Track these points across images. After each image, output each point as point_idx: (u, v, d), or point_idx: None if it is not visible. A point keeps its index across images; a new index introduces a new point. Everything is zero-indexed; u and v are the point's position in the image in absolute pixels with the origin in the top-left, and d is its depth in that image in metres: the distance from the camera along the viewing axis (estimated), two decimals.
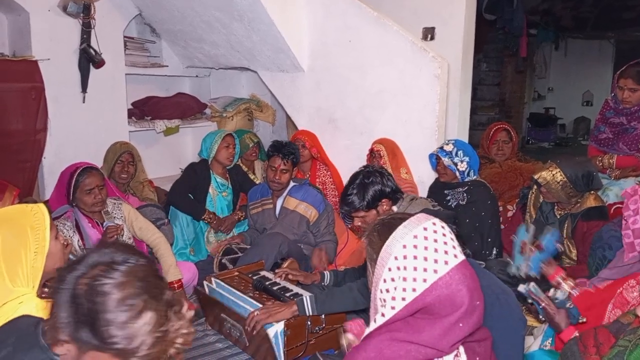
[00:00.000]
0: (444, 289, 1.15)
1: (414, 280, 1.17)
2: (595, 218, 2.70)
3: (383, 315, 1.21)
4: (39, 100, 3.56)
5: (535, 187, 2.99)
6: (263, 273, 2.76)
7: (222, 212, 3.74)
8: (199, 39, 4.12)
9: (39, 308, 1.40)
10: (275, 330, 2.22)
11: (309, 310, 2.25)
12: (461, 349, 1.22)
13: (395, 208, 2.43)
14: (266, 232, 3.27)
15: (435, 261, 1.17)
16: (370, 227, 1.35)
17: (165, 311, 1.05)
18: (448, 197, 3.12)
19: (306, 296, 2.29)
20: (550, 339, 2.05)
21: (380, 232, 1.27)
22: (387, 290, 1.20)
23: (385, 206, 2.42)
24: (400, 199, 2.48)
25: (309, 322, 2.27)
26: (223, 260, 3.16)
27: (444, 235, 1.22)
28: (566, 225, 2.82)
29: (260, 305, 2.33)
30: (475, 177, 3.15)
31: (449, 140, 3.24)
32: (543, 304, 1.91)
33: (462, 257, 1.21)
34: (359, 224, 2.46)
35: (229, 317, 2.44)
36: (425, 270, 1.17)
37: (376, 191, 2.39)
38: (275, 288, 2.52)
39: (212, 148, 3.64)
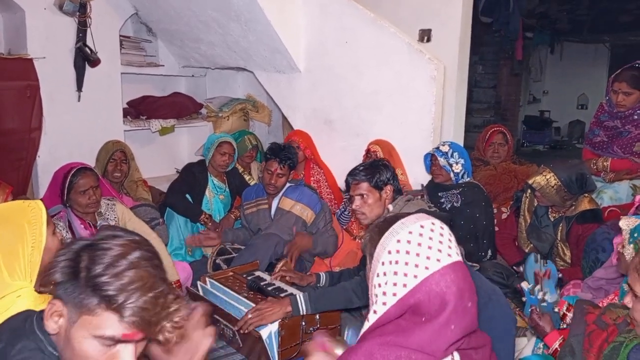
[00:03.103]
0: (434, 286, 1.15)
1: (405, 275, 1.16)
2: (589, 221, 2.72)
3: (375, 312, 1.20)
4: (34, 98, 3.55)
5: (529, 191, 3.00)
6: (258, 273, 2.76)
7: (218, 214, 3.73)
8: (195, 38, 4.11)
9: (37, 302, 1.41)
10: (269, 331, 2.22)
11: (302, 309, 2.24)
12: (456, 356, 1.21)
13: (390, 207, 2.44)
14: (261, 232, 3.26)
15: (428, 258, 1.17)
16: (372, 225, 1.34)
17: (159, 278, 1.05)
18: (442, 199, 3.13)
19: (299, 295, 2.27)
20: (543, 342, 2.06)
21: (381, 227, 1.26)
22: (379, 285, 1.20)
23: (389, 193, 2.45)
24: (399, 196, 2.50)
25: (303, 323, 2.27)
26: (217, 261, 3.16)
27: (440, 235, 1.22)
28: (560, 227, 2.83)
29: (254, 305, 2.33)
30: (469, 179, 3.16)
31: (444, 142, 3.25)
32: (532, 307, 1.95)
33: (457, 257, 1.21)
34: (357, 205, 2.43)
35: (222, 319, 2.44)
36: (416, 266, 1.16)
37: (386, 175, 2.45)
38: (269, 288, 2.52)
39: (209, 151, 3.65)
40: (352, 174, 2.48)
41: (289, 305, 2.23)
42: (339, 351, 1.37)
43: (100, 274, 1.00)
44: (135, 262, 1.02)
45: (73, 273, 1.01)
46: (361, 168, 2.48)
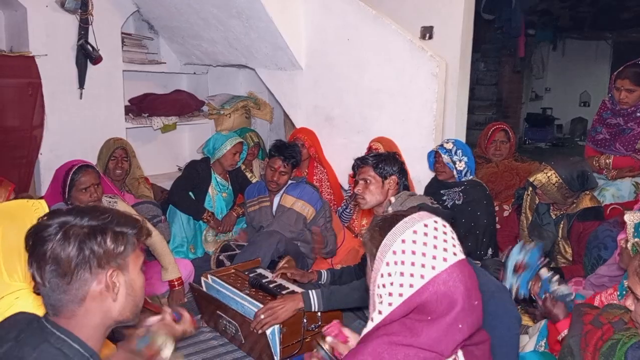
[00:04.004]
0: (441, 286, 1.14)
1: (411, 275, 1.16)
2: (591, 218, 2.71)
3: (380, 312, 1.19)
4: (36, 96, 3.55)
5: (530, 189, 3.00)
6: (260, 271, 2.76)
7: (221, 212, 3.73)
8: (196, 36, 4.11)
9: (35, 304, 1.40)
10: (272, 327, 2.22)
11: (315, 305, 2.23)
12: (459, 353, 1.21)
13: (393, 199, 2.44)
14: (263, 229, 3.27)
15: (434, 257, 1.16)
16: (372, 223, 1.34)
17: None
18: (444, 197, 3.12)
19: (312, 291, 2.27)
20: (545, 339, 2.06)
21: (382, 227, 1.25)
22: (384, 286, 1.19)
23: (392, 184, 2.50)
24: (405, 190, 2.52)
25: (305, 320, 2.27)
26: (220, 257, 3.17)
27: (444, 233, 1.21)
28: (562, 225, 2.83)
29: (257, 303, 2.33)
30: (471, 177, 3.16)
31: (448, 139, 3.25)
32: (546, 294, 1.95)
33: (461, 255, 1.20)
34: (359, 189, 2.51)
35: (225, 314, 2.44)
36: (423, 266, 1.16)
37: (392, 167, 2.50)
38: (271, 286, 2.52)
39: (220, 150, 3.62)
40: (360, 158, 2.59)
41: (301, 301, 2.23)
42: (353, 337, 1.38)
43: (118, 227, 1.14)
44: (103, 206, 1.19)
45: (128, 244, 1.14)
46: (371, 155, 2.59)
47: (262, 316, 2.19)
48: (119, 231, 1.13)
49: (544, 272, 2.01)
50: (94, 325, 1.12)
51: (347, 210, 3.50)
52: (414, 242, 1.18)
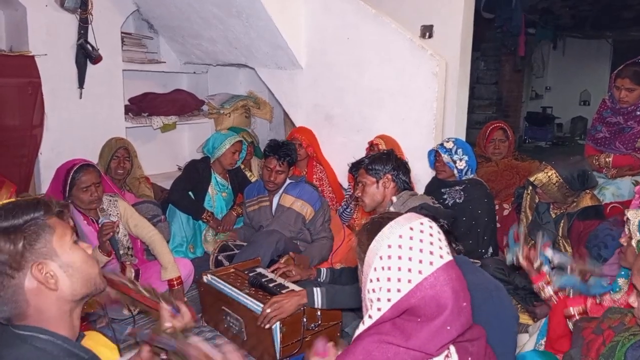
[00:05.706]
0: (429, 290, 1.15)
1: (399, 280, 1.16)
2: (591, 217, 2.71)
3: (370, 317, 1.21)
4: (36, 95, 3.55)
5: (530, 188, 3.00)
6: (259, 270, 2.76)
7: (221, 212, 3.73)
8: (196, 35, 4.11)
9: None
10: (276, 324, 2.22)
11: (318, 302, 2.24)
12: (452, 349, 1.22)
13: (394, 199, 2.45)
14: (262, 229, 3.27)
15: (420, 261, 1.16)
16: (360, 227, 1.35)
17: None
18: (445, 196, 3.12)
19: (317, 288, 2.28)
20: (545, 338, 2.06)
21: (369, 231, 1.26)
22: (374, 291, 1.20)
23: (387, 183, 2.52)
24: (406, 189, 2.53)
25: (304, 319, 2.27)
26: (219, 257, 3.17)
27: (430, 235, 1.21)
28: (562, 224, 2.83)
29: (257, 302, 2.33)
30: (472, 175, 3.15)
31: (449, 138, 3.24)
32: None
33: (448, 257, 1.20)
34: (358, 192, 2.58)
35: (231, 310, 2.44)
36: (409, 270, 1.16)
37: (385, 165, 2.52)
38: (271, 285, 2.52)
39: (220, 149, 3.63)
40: (354, 163, 2.65)
41: (305, 297, 2.24)
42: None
43: (6, 222, 1.07)
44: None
45: (33, 234, 1.09)
46: (364, 157, 2.64)
47: (269, 310, 2.20)
48: (7, 226, 1.06)
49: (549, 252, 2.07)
50: (54, 315, 1.11)
51: (348, 210, 3.50)
52: (400, 246, 1.18)
